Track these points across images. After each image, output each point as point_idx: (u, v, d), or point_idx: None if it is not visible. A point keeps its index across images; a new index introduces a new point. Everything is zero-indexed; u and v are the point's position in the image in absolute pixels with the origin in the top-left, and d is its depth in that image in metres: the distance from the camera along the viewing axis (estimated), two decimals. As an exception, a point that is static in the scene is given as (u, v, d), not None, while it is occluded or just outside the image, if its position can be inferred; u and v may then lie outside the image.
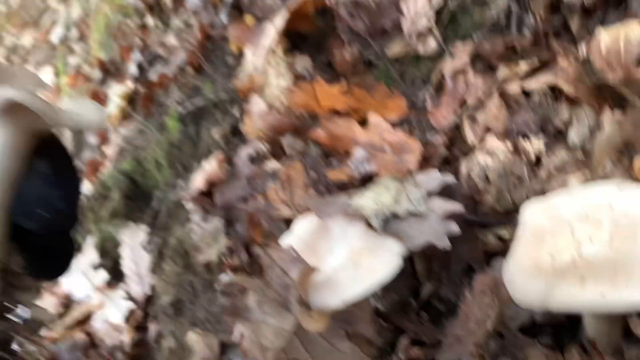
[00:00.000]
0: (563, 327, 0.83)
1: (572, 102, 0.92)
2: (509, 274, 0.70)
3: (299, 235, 1.07)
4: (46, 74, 4.02)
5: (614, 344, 0.75)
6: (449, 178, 1.01)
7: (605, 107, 0.86)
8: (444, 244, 0.91)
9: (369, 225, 0.97)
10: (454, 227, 0.93)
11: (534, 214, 0.74)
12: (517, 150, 0.98)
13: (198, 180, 1.62)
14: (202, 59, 1.94)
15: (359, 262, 0.94)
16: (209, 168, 1.62)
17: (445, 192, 1.08)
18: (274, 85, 1.57)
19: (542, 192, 0.91)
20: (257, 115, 1.53)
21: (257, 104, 1.58)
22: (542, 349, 0.76)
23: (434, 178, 1.03)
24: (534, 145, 0.95)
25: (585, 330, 0.77)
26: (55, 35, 3.98)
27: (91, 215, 2.11)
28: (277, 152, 1.50)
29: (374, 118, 1.23)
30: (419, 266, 1.09)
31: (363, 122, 1.27)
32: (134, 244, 1.94)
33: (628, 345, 0.72)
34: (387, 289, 1.15)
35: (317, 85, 1.41)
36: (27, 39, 4.43)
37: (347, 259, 0.99)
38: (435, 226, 0.95)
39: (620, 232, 0.66)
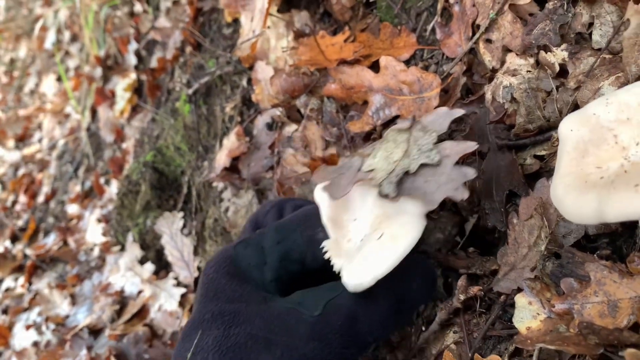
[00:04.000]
0: (619, 235, 0.81)
1: (591, 1, 0.87)
2: (557, 194, 0.68)
3: (323, 212, 0.95)
4: (49, 82, 4.03)
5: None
6: (458, 112, 0.91)
7: (629, 1, 0.81)
8: (462, 195, 0.81)
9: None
10: (470, 172, 0.83)
11: (572, 127, 0.71)
12: (540, 64, 0.94)
13: (221, 158, 1.62)
14: (198, 35, 1.90)
15: (381, 231, 0.85)
16: (229, 144, 1.61)
17: (472, 121, 1.06)
18: (277, 48, 1.53)
19: (574, 102, 0.87)
20: (265, 81, 1.50)
21: (263, 70, 1.55)
22: (602, 262, 0.74)
23: (442, 115, 0.91)
24: (557, 55, 0.91)
25: (643, 234, 0.75)
26: (49, 41, 3.96)
27: (125, 212, 2.13)
28: (294, 114, 1.48)
29: (384, 60, 1.19)
30: (460, 201, 1.08)
31: (375, 67, 1.24)
32: (172, 232, 1.96)
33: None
34: (430, 229, 1.14)
35: (320, 38, 1.37)
36: (23, 50, 4.41)
37: (371, 229, 0.90)
38: (451, 175, 0.85)
39: (667, 129, 0.63)
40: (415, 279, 0.80)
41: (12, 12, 4.77)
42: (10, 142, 4.05)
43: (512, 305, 0.91)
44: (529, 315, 0.79)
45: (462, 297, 0.96)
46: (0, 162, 3.96)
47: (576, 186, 0.66)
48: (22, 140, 3.99)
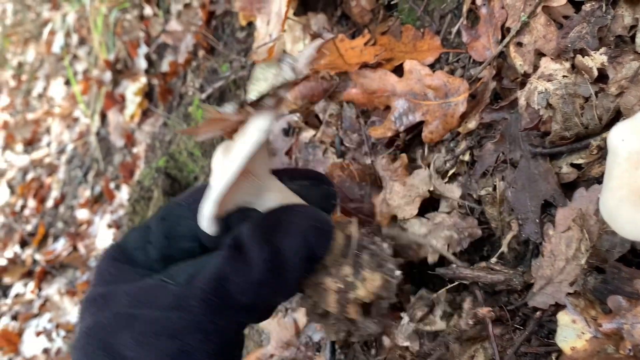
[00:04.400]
0: (669, 249, 0.76)
1: (634, 3, 0.83)
2: (609, 208, 0.64)
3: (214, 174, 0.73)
4: (58, 86, 4.01)
5: None
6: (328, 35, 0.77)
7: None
8: (290, 75, 0.65)
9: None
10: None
11: (623, 137, 0.66)
12: (576, 69, 0.90)
13: (236, 165, 1.58)
14: (212, 38, 1.87)
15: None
16: (244, 150, 1.57)
17: (502, 126, 1.02)
18: (293, 51, 1.49)
19: (616, 109, 0.83)
20: (282, 86, 1.46)
21: (279, 75, 1.51)
22: (652, 279, 0.70)
23: (313, 45, 0.72)
24: (595, 59, 0.87)
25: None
26: (57, 45, 3.94)
27: (137, 218, 2.10)
28: (311, 120, 1.44)
29: (409, 64, 1.15)
30: (489, 211, 1.04)
31: (398, 71, 1.20)
32: (185, 239, 1.92)
33: None
34: (445, 225, 1.08)
35: (339, 41, 1.33)
36: (31, 54, 4.40)
37: None
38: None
39: None
40: (297, 229, 0.66)
41: (19, 15, 4.76)
42: (19, 146, 4.03)
43: (550, 321, 0.87)
44: (573, 335, 0.75)
45: (471, 322, 0.90)
46: (9, 166, 3.95)
47: (631, 200, 0.62)
48: (30, 144, 3.97)
